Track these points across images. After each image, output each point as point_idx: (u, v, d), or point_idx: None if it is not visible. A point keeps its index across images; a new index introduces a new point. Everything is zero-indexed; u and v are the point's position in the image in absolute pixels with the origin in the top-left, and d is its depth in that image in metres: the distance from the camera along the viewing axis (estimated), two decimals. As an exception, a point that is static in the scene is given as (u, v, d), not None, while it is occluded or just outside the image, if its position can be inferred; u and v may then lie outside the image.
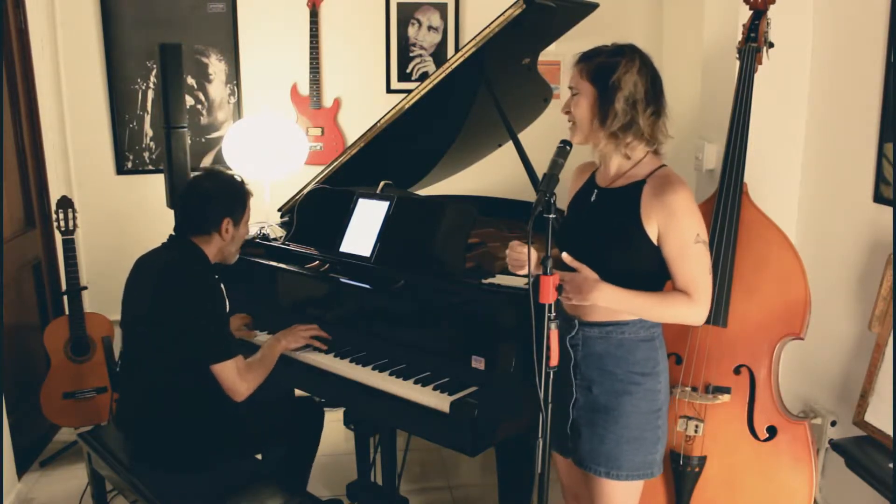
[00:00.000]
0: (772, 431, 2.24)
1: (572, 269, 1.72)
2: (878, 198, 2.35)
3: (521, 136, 2.53)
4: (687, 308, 1.73)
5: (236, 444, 2.20)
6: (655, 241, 1.73)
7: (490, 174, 3.38)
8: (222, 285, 2.16)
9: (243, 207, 2.27)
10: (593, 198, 1.84)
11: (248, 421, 2.25)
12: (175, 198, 2.32)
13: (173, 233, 2.24)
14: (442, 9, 3.85)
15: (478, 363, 2.04)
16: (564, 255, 1.72)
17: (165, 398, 2.13)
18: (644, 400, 1.78)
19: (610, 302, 1.71)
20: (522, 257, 1.78)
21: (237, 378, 2.11)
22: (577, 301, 1.69)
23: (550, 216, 1.61)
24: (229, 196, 2.24)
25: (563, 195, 1.77)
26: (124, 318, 2.23)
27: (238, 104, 3.83)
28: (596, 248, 1.78)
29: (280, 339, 2.28)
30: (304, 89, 3.84)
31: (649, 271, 1.76)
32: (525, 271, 1.82)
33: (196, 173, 2.30)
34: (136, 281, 2.22)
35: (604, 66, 1.72)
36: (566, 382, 1.84)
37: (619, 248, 1.76)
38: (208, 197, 2.22)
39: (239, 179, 2.30)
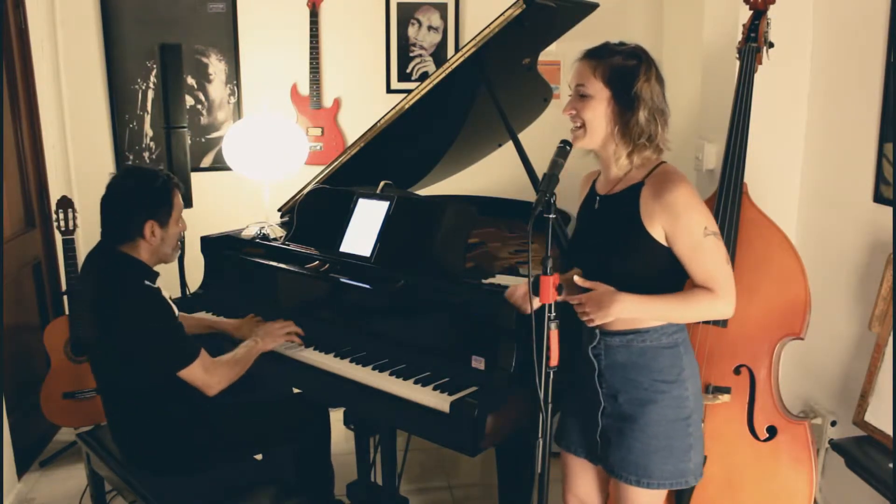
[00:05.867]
0: (772, 431, 2.24)
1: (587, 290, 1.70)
2: (878, 198, 2.35)
3: (521, 136, 2.53)
4: (711, 303, 1.68)
5: (230, 446, 2.19)
6: (664, 242, 1.69)
7: (490, 174, 3.38)
8: (158, 288, 2.06)
9: (168, 205, 2.09)
10: (596, 206, 1.82)
11: (242, 422, 2.24)
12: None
13: (100, 239, 2.12)
14: (442, 9, 3.85)
15: (478, 363, 2.04)
16: (576, 278, 1.70)
17: (144, 405, 2.10)
18: (670, 408, 1.74)
19: (632, 311, 1.67)
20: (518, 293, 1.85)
21: (205, 375, 2.06)
22: (599, 319, 1.66)
23: (550, 216, 1.60)
24: (149, 197, 2.07)
25: (563, 195, 1.76)
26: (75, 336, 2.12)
27: (238, 104, 3.83)
28: (605, 257, 1.75)
29: (258, 342, 2.24)
30: (304, 89, 3.84)
31: (664, 272, 1.72)
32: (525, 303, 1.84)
33: (113, 173, 2.14)
34: (77, 306, 2.11)
35: (623, 69, 1.67)
36: (593, 392, 1.82)
37: (627, 255, 1.73)
38: (125, 201, 2.06)
39: (161, 175, 2.12)
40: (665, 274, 1.73)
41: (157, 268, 2.16)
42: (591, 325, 1.70)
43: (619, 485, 1.82)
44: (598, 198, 1.83)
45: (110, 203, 2.08)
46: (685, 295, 1.72)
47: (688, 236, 1.67)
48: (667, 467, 1.76)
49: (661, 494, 1.82)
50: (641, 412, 1.75)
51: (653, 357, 1.75)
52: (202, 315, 2.57)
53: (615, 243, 1.75)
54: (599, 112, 1.70)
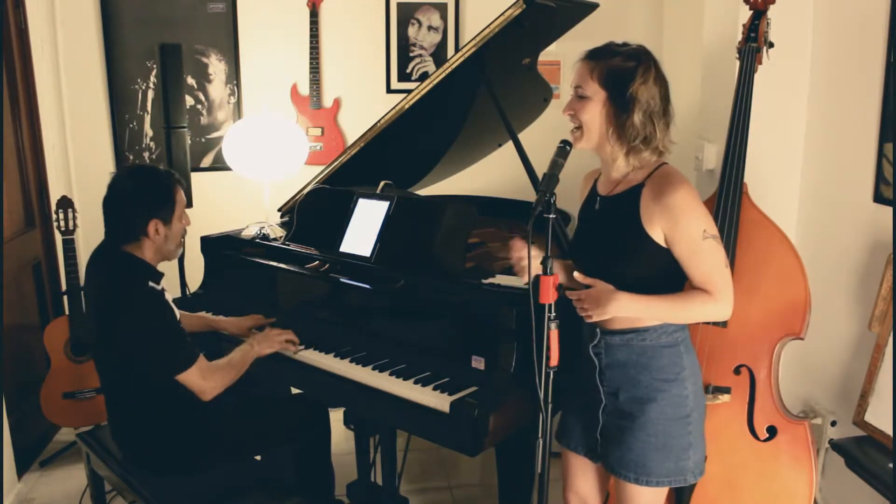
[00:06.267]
0: (772, 431, 2.24)
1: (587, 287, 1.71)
2: (878, 198, 2.35)
3: (521, 136, 2.53)
4: (709, 306, 1.70)
5: (230, 446, 2.19)
6: (663, 244, 1.69)
7: (490, 174, 3.38)
8: (163, 289, 2.06)
9: (171, 203, 2.09)
10: (596, 206, 1.82)
11: (242, 422, 2.24)
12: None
13: (104, 241, 2.11)
14: (442, 9, 3.85)
15: (478, 363, 2.04)
16: (576, 274, 1.71)
17: (145, 405, 2.10)
18: (670, 406, 1.75)
19: (630, 311, 1.69)
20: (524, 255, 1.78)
21: (201, 381, 2.05)
22: (596, 316, 1.68)
23: (550, 216, 1.60)
24: (151, 195, 2.07)
25: (563, 195, 1.76)
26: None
27: (238, 104, 3.83)
28: (604, 258, 1.76)
29: (253, 345, 2.22)
30: (304, 89, 3.84)
31: (664, 274, 1.73)
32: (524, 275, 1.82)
33: (114, 172, 2.14)
34: (80, 305, 2.09)
35: (620, 71, 1.67)
36: (594, 390, 1.83)
37: (627, 256, 1.73)
38: (128, 200, 2.05)
39: (162, 172, 2.12)
40: (664, 275, 1.73)
41: (158, 266, 2.16)
42: (589, 321, 1.72)
43: (620, 483, 1.83)
44: (598, 198, 1.83)
45: (113, 203, 2.08)
46: (683, 296, 1.72)
47: (687, 239, 1.67)
48: (666, 465, 1.76)
49: (662, 492, 1.83)
50: (641, 410, 1.76)
51: (653, 356, 1.76)
52: (202, 314, 2.57)
53: (615, 245, 1.75)
54: (595, 114, 1.70)
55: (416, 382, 2.04)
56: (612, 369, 1.80)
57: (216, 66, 3.78)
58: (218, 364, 2.13)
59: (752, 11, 2.25)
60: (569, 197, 2.04)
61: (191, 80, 3.75)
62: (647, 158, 1.73)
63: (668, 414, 1.75)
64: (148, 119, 3.77)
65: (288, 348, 2.27)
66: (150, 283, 2.04)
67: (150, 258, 2.10)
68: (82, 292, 3.17)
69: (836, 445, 2.24)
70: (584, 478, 1.97)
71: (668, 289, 1.73)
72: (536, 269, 1.65)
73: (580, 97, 1.72)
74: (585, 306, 1.69)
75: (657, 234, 1.69)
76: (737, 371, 2.25)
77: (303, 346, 2.30)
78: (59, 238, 3.19)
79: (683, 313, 1.73)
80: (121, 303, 2.02)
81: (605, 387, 1.81)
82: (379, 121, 2.60)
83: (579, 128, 1.73)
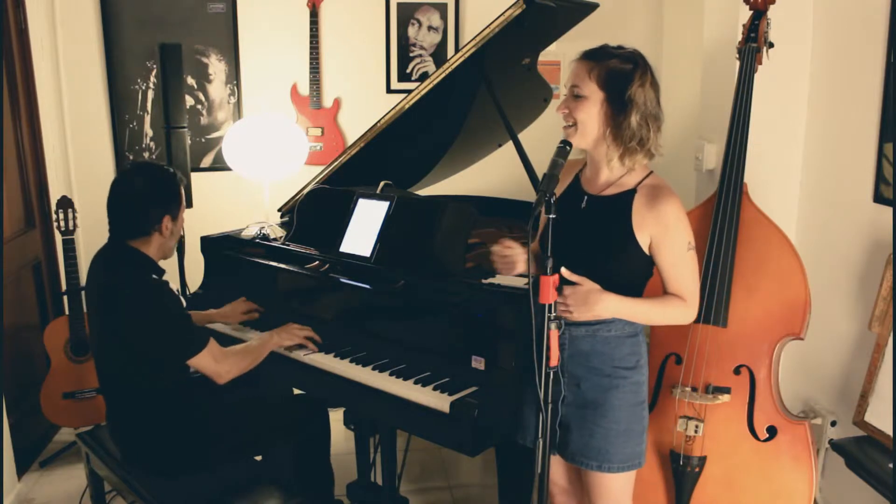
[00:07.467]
0: (772, 431, 2.24)
1: (571, 283, 1.72)
2: (878, 198, 2.35)
3: (521, 136, 2.53)
4: (682, 311, 1.79)
5: (230, 446, 2.19)
6: (646, 250, 1.76)
7: (490, 174, 3.38)
8: (166, 280, 2.09)
9: (179, 200, 2.15)
10: (583, 204, 1.84)
11: (241, 422, 2.24)
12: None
13: (109, 236, 2.13)
14: (442, 9, 3.85)
15: (478, 363, 2.04)
16: (563, 269, 1.72)
17: (145, 405, 2.10)
18: (630, 393, 1.82)
19: (614, 311, 1.74)
20: (512, 255, 1.80)
21: (214, 364, 2.07)
22: (579, 315, 1.71)
23: (551, 216, 1.61)
24: (165, 191, 2.12)
25: (563, 195, 1.77)
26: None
27: (238, 104, 3.83)
28: (588, 255, 1.78)
29: (273, 335, 2.25)
30: (304, 89, 3.84)
31: (636, 276, 1.80)
32: (514, 271, 1.85)
33: (124, 169, 2.17)
34: (84, 303, 2.12)
35: (618, 73, 1.70)
36: (555, 381, 1.83)
37: (612, 257, 1.78)
38: (144, 197, 2.08)
39: (169, 170, 2.17)
40: (636, 278, 1.80)
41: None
42: (569, 318, 1.73)
43: (587, 474, 1.87)
44: (586, 196, 1.84)
45: (125, 199, 2.09)
46: (661, 300, 1.79)
47: (674, 249, 1.75)
48: (626, 451, 1.82)
49: (627, 479, 1.86)
50: (605, 398, 1.81)
51: (616, 345, 1.81)
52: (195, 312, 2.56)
53: (604, 246, 1.79)
54: (592, 114, 1.73)
55: (416, 382, 2.04)
56: (574, 359, 1.83)
57: (216, 66, 3.78)
58: (233, 349, 2.16)
59: (752, 11, 2.25)
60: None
61: (191, 80, 3.75)
62: (640, 161, 1.76)
63: (629, 400, 1.82)
64: (148, 119, 3.77)
65: (308, 344, 2.28)
66: (154, 276, 2.08)
67: (153, 254, 2.13)
68: (83, 291, 3.18)
69: (836, 445, 2.24)
70: (557, 470, 2.01)
71: (633, 292, 1.79)
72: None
73: (576, 97, 1.74)
74: (569, 303, 1.70)
75: (644, 240, 1.75)
76: (737, 371, 2.25)
77: (317, 351, 2.28)
78: (59, 238, 3.19)
79: (657, 316, 1.82)
80: (127, 295, 2.03)
81: (565, 377, 1.84)
82: (379, 121, 2.60)
83: (573, 125, 1.75)
